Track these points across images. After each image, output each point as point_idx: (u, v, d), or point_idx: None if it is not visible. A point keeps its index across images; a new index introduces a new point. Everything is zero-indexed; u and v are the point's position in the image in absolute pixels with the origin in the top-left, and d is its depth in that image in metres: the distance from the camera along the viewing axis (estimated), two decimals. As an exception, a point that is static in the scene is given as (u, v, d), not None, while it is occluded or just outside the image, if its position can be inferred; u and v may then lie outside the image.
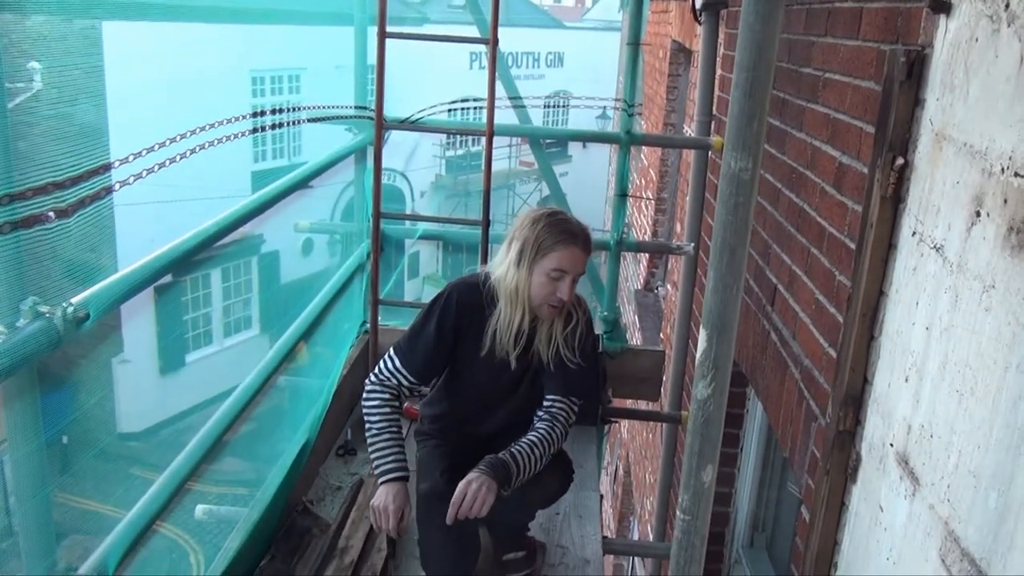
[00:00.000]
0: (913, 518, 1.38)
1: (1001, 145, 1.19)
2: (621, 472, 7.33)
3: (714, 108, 3.62)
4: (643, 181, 7.27)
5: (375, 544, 2.52)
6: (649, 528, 5.07)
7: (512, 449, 2.07)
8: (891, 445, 1.49)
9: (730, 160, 1.18)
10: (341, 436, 3.24)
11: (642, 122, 6.80)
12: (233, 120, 2.37)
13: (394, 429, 2.14)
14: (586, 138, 4.69)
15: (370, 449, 2.13)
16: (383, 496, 2.06)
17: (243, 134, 2.45)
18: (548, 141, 6.25)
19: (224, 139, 2.25)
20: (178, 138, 1.96)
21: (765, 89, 1.16)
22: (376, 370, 2.20)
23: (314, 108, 3.22)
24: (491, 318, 2.17)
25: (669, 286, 5.76)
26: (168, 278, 2.02)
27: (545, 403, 2.21)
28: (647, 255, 6.80)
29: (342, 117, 3.41)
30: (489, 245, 3.34)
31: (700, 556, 1.37)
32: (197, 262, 2.33)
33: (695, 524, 1.35)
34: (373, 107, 3.28)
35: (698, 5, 3.70)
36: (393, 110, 3.35)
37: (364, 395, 2.18)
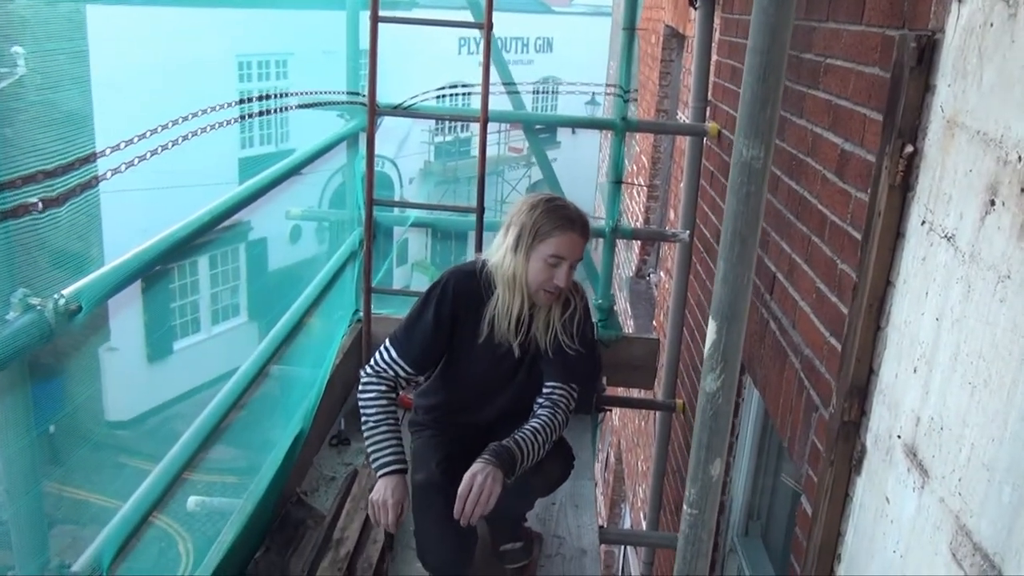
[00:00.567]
0: (922, 511, 1.36)
1: (1017, 133, 1.17)
2: (612, 459, 7.34)
3: (709, 94, 3.59)
4: (635, 167, 7.24)
5: (371, 535, 2.49)
6: (642, 516, 5.07)
7: (516, 436, 2.05)
8: (898, 437, 1.47)
9: (741, 148, 1.15)
10: (334, 426, 3.21)
11: (635, 108, 6.76)
12: (224, 107, 2.32)
13: (391, 421, 2.12)
14: (581, 124, 4.66)
15: (367, 442, 2.10)
16: (382, 490, 2.03)
17: (233, 121, 2.40)
18: (538, 127, 6.19)
19: (215, 125, 2.20)
20: (169, 124, 1.91)
21: (779, 73, 1.12)
22: (372, 361, 2.17)
23: (305, 94, 3.17)
24: (489, 304, 2.15)
25: (662, 273, 5.74)
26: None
27: (545, 390, 2.19)
28: (639, 242, 6.79)
29: (334, 103, 3.35)
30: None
31: (707, 550, 1.35)
32: (185, 250, 2.29)
33: (702, 518, 1.32)
34: (365, 93, 3.24)
35: (693, -10, 3.67)
36: (383, 96, 3.30)
37: (360, 387, 2.15)
